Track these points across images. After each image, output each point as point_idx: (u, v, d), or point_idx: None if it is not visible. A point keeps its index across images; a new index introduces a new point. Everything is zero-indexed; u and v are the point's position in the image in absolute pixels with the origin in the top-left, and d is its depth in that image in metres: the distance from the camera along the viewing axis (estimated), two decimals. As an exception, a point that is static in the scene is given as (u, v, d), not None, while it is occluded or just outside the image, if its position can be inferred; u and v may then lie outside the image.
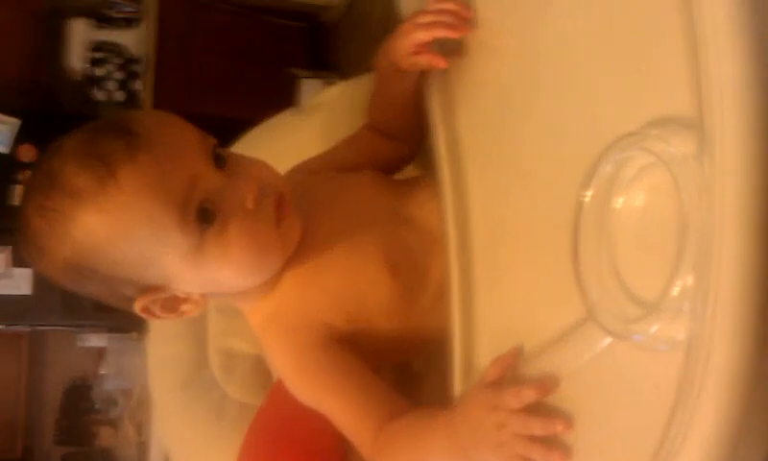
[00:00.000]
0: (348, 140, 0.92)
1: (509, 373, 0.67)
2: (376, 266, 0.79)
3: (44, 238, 0.69)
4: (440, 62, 0.78)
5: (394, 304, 0.79)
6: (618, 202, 0.57)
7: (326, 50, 2.99)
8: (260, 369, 1.06)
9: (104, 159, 0.66)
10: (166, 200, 0.67)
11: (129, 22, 2.92)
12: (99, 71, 2.84)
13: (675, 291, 0.53)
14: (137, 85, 2.86)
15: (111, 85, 2.84)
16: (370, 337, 0.79)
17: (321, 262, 0.79)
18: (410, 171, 0.94)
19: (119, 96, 2.85)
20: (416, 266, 0.81)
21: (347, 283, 0.79)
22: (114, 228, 0.67)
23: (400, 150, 0.91)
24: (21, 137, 2.65)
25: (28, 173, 2.60)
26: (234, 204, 0.70)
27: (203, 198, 0.69)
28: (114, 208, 0.67)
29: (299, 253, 0.78)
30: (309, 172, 0.88)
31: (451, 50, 0.79)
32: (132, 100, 2.87)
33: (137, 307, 0.73)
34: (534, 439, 0.62)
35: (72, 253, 0.68)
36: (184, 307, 0.75)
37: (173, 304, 0.74)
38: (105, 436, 2.91)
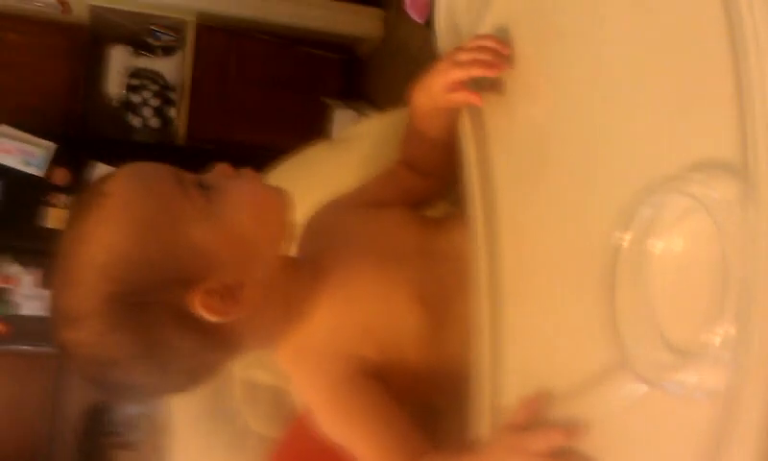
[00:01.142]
0: (380, 176, 0.92)
1: (534, 416, 0.66)
2: (408, 299, 0.78)
3: (74, 297, 0.67)
4: (476, 100, 0.78)
5: (423, 338, 0.78)
6: (657, 246, 0.56)
7: (361, 81, 3.01)
8: (283, 401, 1.05)
9: (87, 193, 0.71)
10: (161, 182, 0.71)
11: (167, 50, 2.98)
12: (135, 98, 2.89)
13: (714, 341, 0.51)
14: (172, 113, 2.90)
15: (147, 112, 2.89)
16: (398, 371, 0.78)
17: (352, 295, 0.79)
18: (440, 207, 0.93)
19: (154, 123, 2.89)
20: (446, 301, 0.80)
21: (378, 316, 0.78)
22: (127, 227, 0.67)
23: (432, 186, 0.91)
24: (56, 161, 2.69)
25: (60, 196, 2.64)
26: (219, 176, 0.75)
27: (194, 179, 0.72)
28: (117, 211, 0.68)
29: (330, 285, 0.78)
30: (343, 207, 0.88)
31: (487, 86, 0.79)
32: (166, 127, 2.91)
33: (197, 303, 0.69)
34: None
35: (107, 282, 0.67)
36: (243, 295, 0.72)
37: (230, 293, 0.71)
38: (124, 459, 2.91)
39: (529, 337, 0.70)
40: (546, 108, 0.72)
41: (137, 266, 0.67)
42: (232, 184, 0.74)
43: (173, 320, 0.69)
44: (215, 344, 0.73)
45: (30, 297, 2.71)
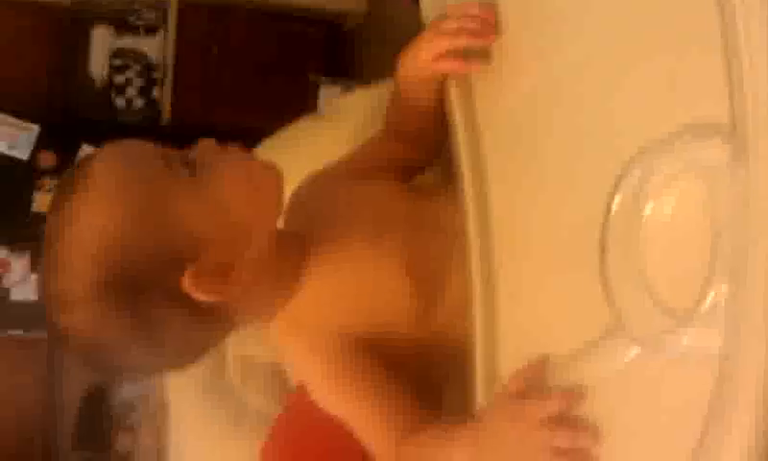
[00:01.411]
0: (364, 146, 0.92)
1: (532, 384, 0.66)
2: (398, 272, 0.78)
3: (64, 281, 0.67)
4: (462, 69, 0.77)
5: (415, 311, 0.78)
6: (648, 208, 0.56)
7: (346, 57, 2.99)
8: (278, 377, 1.06)
9: (71, 175, 0.70)
10: (146, 160, 0.70)
11: (149, 30, 2.94)
12: (119, 78, 2.86)
13: (707, 301, 0.51)
14: (157, 92, 2.87)
15: (131, 92, 2.86)
16: (391, 344, 0.78)
17: (342, 268, 0.79)
18: (428, 177, 0.93)
19: (139, 103, 2.87)
20: (437, 272, 0.80)
21: (368, 289, 0.78)
22: (114, 208, 0.67)
23: (418, 156, 0.90)
24: (41, 144, 2.67)
25: (47, 180, 2.62)
26: (204, 152, 0.73)
27: (180, 156, 0.72)
28: (102, 192, 0.67)
29: (320, 259, 0.78)
30: (328, 179, 0.88)
31: (473, 55, 0.78)
32: (151, 107, 2.88)
33: (187, 284, 0.68)
34: (560, 451, 0.60)
35: (96, 266, 0.66)
36: (234, 273, 0.71)
37: (221, 272, 0.70)
38: (122, 442, 2.92)
39: (523, 306, 0.71)
40: (534, 75, 0.72)
41: (126, 248, 0.67)
42: (219, 160, 0.73)
43: (165, 300, 0.69)
44: (209, 322, 0.72)
45: (20, 282, 2.70)
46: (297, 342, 0.78)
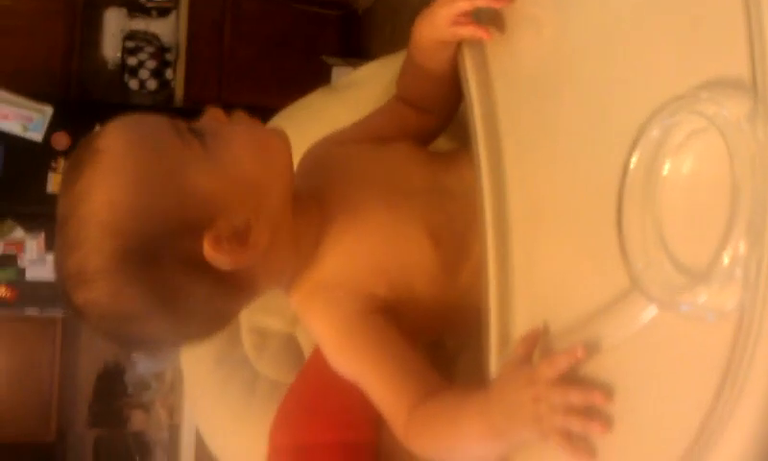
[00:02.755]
0: (377, 111, 0.91)
1: (543, 347, 0.66)
2: (418, 234, 0.78)
3: (81, 257, 0.66)
4: (482, 34, 0.77)
5: (435, 274, 0.78)
6: (665, 167, 0.56)
7: (359, 37, 2.98)
8: (292, 347, 1.06)
9: (80, 151, 0.69)
10: (156, 130, 0.70)
11: (162, 12, 2.95)
12: (132, 60, 2.87)
13: (725, 259, 0.51)
14: (169, 74, 2.88)
15: (144, 74, 2.87)
16: (410, 309, 0.78)
17: (361, 231, 0.78)
18: (445, 144, 0.93)
19: (152, 85, 2.88)
20: (456, 236, 0.79)
21: (388, 251, 0.78)
22: (126, 179, 0.67)
23: (431, 122, 0.90)
24: (55, 125, 2.68)
25: (61, 161, 2.63)
26: (212, 121, 0.74)
27: (188, 127, 0.72)
28: (114, 165, 0.67)
29: (338, 222, 0.78)
30: (340, 143, 0.87)
31: (489, 20, 0.77)
32: (164, 88, 2.89)
33: (207, 250, 0.68)
34: (572, 410, 0.59)
35: (113, 237, 0.66)
36: (252, 237, 0.71)
37: (238, 236, 0.70)
38: (137, 419, 2.95)
39: (538, 268, 0.70)
40: (551, 38, 0.71)
41: (142, 218, 0.67)
42: (228, 128, 0.74)
43: (185, 268, 0.69)
44: (230, 289, 0.72)
45: (35, 262, 2.72)
46: (314, 302, 0.78)
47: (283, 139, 0.76)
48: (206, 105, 0.79)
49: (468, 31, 0.77)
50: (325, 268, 0.78)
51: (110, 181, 0.67)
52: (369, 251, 0.78)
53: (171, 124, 0.71)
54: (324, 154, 0.86)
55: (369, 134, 0.88)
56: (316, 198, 0.80)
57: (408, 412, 0.72)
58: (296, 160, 0.81)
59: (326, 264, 0.78)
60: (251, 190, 0.72)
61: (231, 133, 0.73)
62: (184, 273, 0.69)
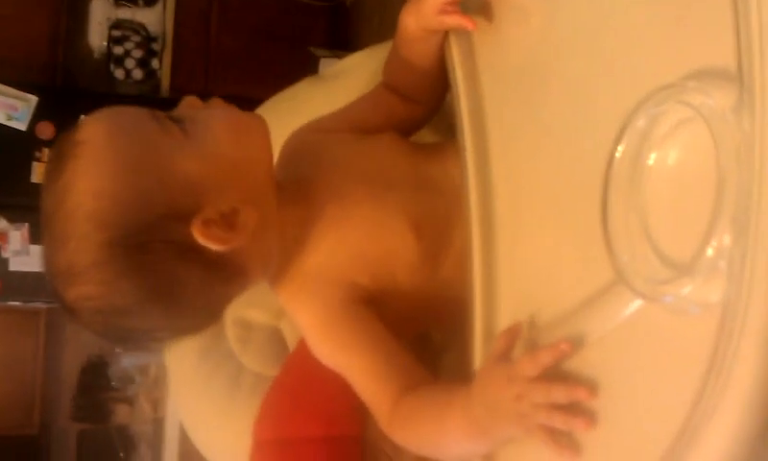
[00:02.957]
0: (363, 99, 0.91)
1: (527, 340, 0.65)
2: (400, 225, 0.78)
3: (71, 252, 0.66)
4: (468, 23, 0.76)
5: (416, 264, 0.78)
6: (651, 158, 0.55)
7: (347, 30, 2.97)
8: (276, 340, 1.05)
9: (60, 146, 0.69)
10: (136, 120, 0.70)
11: (148, 1, 2.93)
12: (118, 49, 2.85)
13: (710, 251, 0.50)
14: (155, 64, 2.86)
15: (130, 64, 2.85)
16: (393, 299, 0.77)
17: (345, 221, 0.78)
18: (429, 137, 0.92)
19: (137, 74, 2.86)
20: (439, 228, 0.79)
21: (371, 241, 0.78)
22: (111, 169, 0.66)
23: (416, 111, 0.89)
24: (39, 115, 2.66)
25: (45, 151, 2.61)
26: (189, 109, 0.75)
27: (165, 114, 0.72)
28: (96, 156, 0.66)
29: (322, 211, 0.78)
30: (324, 131, 0.87)
31: (476, 10, 0.77)
32: (150, 78, 2.87)
33: (198, 234, 0.68)
34: (555, 407, 0.59)
35: (102, 229, 0.65)
36: (240, 220, 0.70)
37: (226, 220, 0.70)
38: (121, 413, 2.93)
39: (523, 263, 0.70)
40: (538, 28, 0.70)
41: (129, 207, 0.66)
42: (205, 114, 0.74)
43: (176, 256, 0.68)
44: (221, 275, 0.72)
45: (19, 252, 2.70)
46: (298, 293, 0.78)
47: (260, 121, 0.77)
48: (192, 93, 0.79)
49: (454, 20, 0.76)
50: (309, 258, 0.78)
51: (94, 171, 0.66)
52: (351, 240, 0.78)
53: (150, 113, 0.71)
54: (308, 141, 0.86)
55: (353, 123, 0.87)
56: (300, 186, 0.80)
57: (392, 403, 0.72)
58: (280, 150, 0.80)
59: (310, 254, 0.78)
60: (234, 173, 0.72)
61: (209, 118, 0.73)
62: (175, 260, 0.68)
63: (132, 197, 0.66)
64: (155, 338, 0.79)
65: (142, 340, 0.78)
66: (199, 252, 0.68)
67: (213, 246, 0.68)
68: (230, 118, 0.75)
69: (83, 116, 0.72)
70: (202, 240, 0.68)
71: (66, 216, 0.65)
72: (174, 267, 0.68)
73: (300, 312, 0.78)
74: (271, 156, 0.77)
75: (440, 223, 0.79)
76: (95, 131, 0.68)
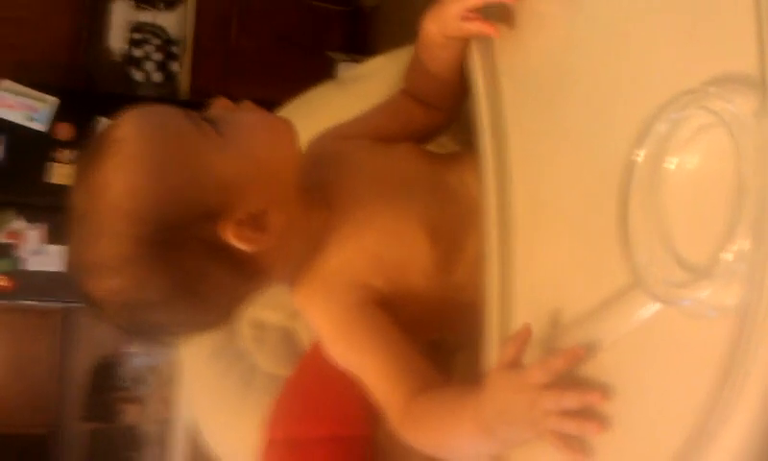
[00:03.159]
0: (382, 106, 0.91)
1: (543, 344, 0.65)
2: (415, 231, 0.78)
3: (106, 248, 0.67)
4: (490, 30, 0.77)
5: (431, 269, 0.78)
6: (672, 163, 0.55)
7: (365, 34, 2.98)
8: (290, 341, 1.06)
9: (96, 143, 0.70)
10: (171, 119, 0.71)
11: (169, 4, 2.95)
12: (138, 52, 2.87)
13: (728, 255, 0.51)
14: (175, 67, 2.88)
15: (150, 66, 2.87)
16: (407, 303, 0.78)
17: (360, 224, 0.79)
18: (449, 145, 0.92)
19: (157, 77, 2.88)
20: (454, 235, 0.80)
21: (386, 245, 0.78)
22: (147, 167, 0.67)
23: (436, 118, 0.90)
24: (59, 116, 2.68)
25: (64, 152, 2.63)
26: (221, 110, 0.76)
27: (199, 114, 0.73)
28: (133, 153, 0.67)
29: (341, 215, 0.79)
30: (343, 137, 0.88)
31: (497, 17, 0.77)
32: (169, 81, 2.89)
33: (230, 234, 0.69)
34: (568, 413, 0.59)
35: (136, 225, 0.66)
36: (269, 221, 0.72)
37: (257, 221, 0.71)
38: (131, 413, 2.94)
39: (539, 266, 0.70)
40: (558, 35, 0.71)
41: (164, 205, 0.67)
42: (238, 116, 0.75)
43: (207, 254, 0.69)
44: (249, 274, 0.73)
45: (35, 252, 2.72)
46: (314, 294, 0.79)
47: (289, 124, 0.77)
48: (211, 98, 0.80)
49: (475, 27, 0.77)
50: (329, 261, 0.78)
51: (131, 168, 0.67)
52: (368, 245, 0.78)
53: (184, 112, 0.72)
54: (329, 148, 0.87)
55: (373, 130, 0.88)
56: (323, 191, 0.81)
57: (404, 403, 0.72)
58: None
59: (330, 257, 0.78)
60: (265, 175, 0.73)
61: (243, 120, 0.75)
62: (206, 258, 0.69)
63: (166, 195, 0.67)
64: (173, 332, 0.80)
65: (160, 334, 0.79)
66: (228, 251, 0.70)
67: (244, 246, 0.70)
68: (262, 121, 0.76)
69: (102, 118, 0.73)
70: (233, 240, 0.69)
71: (102, 212, 0.67)
72: (203, 265, 0.69)
73: (316, 313, 0.79)
74: (299, 159, 0.78)
75: (454, 230, 0.80)
76: (132, 129, 0.69)
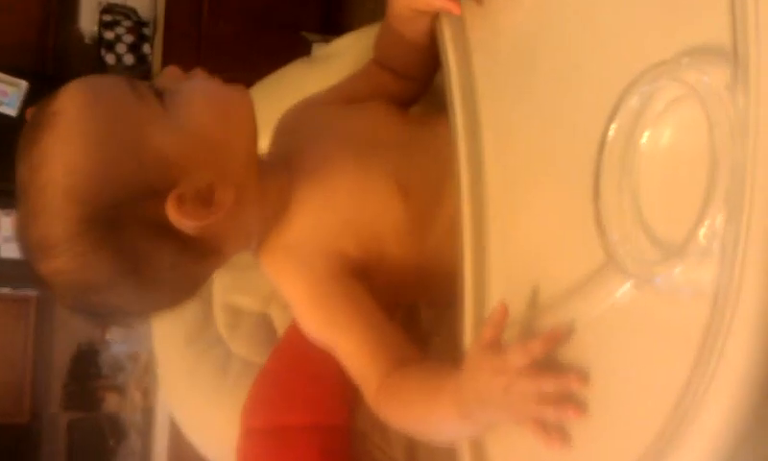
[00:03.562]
0: (355, 75, 0.90)
1: (517, 325, 0.64)
2: (387, 188, 0.76)
3: (44, 226, 0.65)
4: (455, 9, 0.75)
5: (405, 229, 0.77)
6: (644, 137, 0.54)
7: (340, 15, 2.95)
8: (265, 326, 1.04)
9: (36, 116, 0.68)
10: (114, 90, 0.68)
11: (140, -15, 2.90)
12: (109, 34, 2.82)
13: (702, 232, 0.50)
14: (147, 49, 2.84)
15: (121, 49, 2.82)
16: (381, 269, 0.76)
17: (331, 187, 0.77)
18: (421, 106, 0.91)
19: (129, 60, 2.83)
20: (428, 191, 0.78)
21: (358, 206, 0.77)
22: (85, 142, 0.65)
23: (408, 87, 0.88)
24: (30, 100, 2.63)
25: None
26: (170, 80, 0.73)
27: (146, 84, 0.70)
28: (71, 128, 0.65)
29: (307, 180, 0.76)
30: (313, 105, 0.86)
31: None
32: (141, 63, 2.85)
33: (171, 212, 0.66)
34: (545, 397, 0.57)
35: (75, 204, 0.64)
36: (216, 197, 0.69)
37: (202, 197, 0.68)
38: (111, 401, 2.92)
39: (514, 245, 0.69)
40: (530, 7, 0.69)
41: (103, 182, 0.65)
42: (187, 86, 0.72)
43: (149, 233, 0.67)
44: (196, 252, 0.70)
45: (9, 239, 2.68)
46: (285, 264, 0.77)
47: (243, 94, 0.75)
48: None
49: (440, 3, 0.75)
50: (294, 228, 0.76)
51: (68, 145, 0.65)
52: (336, 206, 0.77)
53: (129, 83, 0.70)
54: (298, 116, 0.85)
55: (343, 96, 0.87)
56: (286, 157, 0.79)
57: (379, 378, 0.71)
58: (272, 130, 0.78)
59: (295, 224, 0.76)
60: (213, 149, 0.70)
61: (191, 92, 0.72)
62: (149, 237, 0.67)
63: (105, 173, 0.65)
64: (129, 315, 0.78)
65: (116, 316, 0.77)
66: (172, 229, 0.67)
67: (186, 223, 0.67)
68: (212, 92, 0.73)
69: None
70: (174, 218, 0.66)
71: (39, 189, 0.65)
72: (147, 244, 0.67)
73: (288, 284, 0.77)
74: (253, 129, 0.75)
75: (428, 185, 0.78)
76: (71, 101, 0.66)
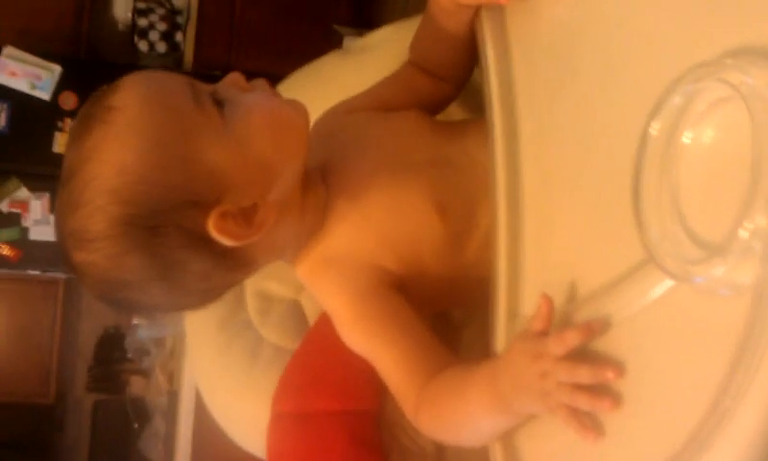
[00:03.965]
0: (389, 78, 0.90)
1: (554, 320, 0.64)
2: (424, 207, 0.77)
3: (84, 218, 0.65)
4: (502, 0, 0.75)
5: (441, 246, 0.77)
6: (687, 137, 0.54)
7: (372, 7, 2.95)
8: (296, 313, 1.05)
9: (93, 105, 0.67)
10: (175, 94, 0.68)
11: (174, -26, 2.92)
12: (143, 21, 2.85)
13: (743, 232, 0.49)
14: (179, 37, 2.86)
15: (154, 36, 2.85)
16: (419, 282, 0.77)
17: (368, 204, 0.77)
18: (459, 114, 0.91)
19: (161, 47, 2.86)
20: (463, 209, 0.78)
21: (395, 224, 0.77)
22: (139, 145, 0.65)
23: (443, 89, 0.88)
24: (63, 85, 2.67)
25: (68, 121, 2.63)
26: (232, 88, 0.72)
27: (208, 91, 0.69)
28: (127, 127, 0.65)
29: (345, 195, 0.77)
30: (350, 111, 0.86)
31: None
32: (173, 52, 2.87)
33: (212, 227, 0.67)
34: (580, 387, 0.58)
35: (119, 204, 0.64)
36: (258, 217, 0.70)
37: (245, 216, 0.69)
38: (136, 385, 2.95)
39: (551, 239, 0.69)
40: (571, 3, 0.69)
41: (149, 187, 0.65)
42: (248, 100, 0.71)
43: (186, 243, 0.67)
44: (229, 265, 0.72)
45: (39, 222, 2.72)
46: (325, 275, 0.77)
47: (302, 115, 0.74)
48: (215, 69, 0.78)
49: None
50: (333, 241, 0.77)
51: (122, 143, 0.65)
52: (375, 222, 0.77)
53: (190, 87, 0.69)
54: (335, 123, 0.85)
55: (378, 102, 0.87)
56: (323, 169, 0.79)
57: (418, 391, 0.71)
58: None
59: (334, 237, 0.77)
60: (263, 170, 0.70)
61: (251, 107, 0.71)
62: (186, 247, 0.67)
63: (154, 178, 0.65)
64: (154, 311, 0.80)
65: (141, 310, 0.79)
66: (210, 242, 0.68)
67: (225, 241, 0.68)
68: (272, 112, 0.72)
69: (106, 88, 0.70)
70: (215, 234, 0.67)
71: (86, 182, 0.65)
72: (183, 253, 0.68)
73: (329, 297, 0.78)
74: (305, 151, 0.75)
75: (464, 203, 0.79)
76: (131, 98, 0.66)
